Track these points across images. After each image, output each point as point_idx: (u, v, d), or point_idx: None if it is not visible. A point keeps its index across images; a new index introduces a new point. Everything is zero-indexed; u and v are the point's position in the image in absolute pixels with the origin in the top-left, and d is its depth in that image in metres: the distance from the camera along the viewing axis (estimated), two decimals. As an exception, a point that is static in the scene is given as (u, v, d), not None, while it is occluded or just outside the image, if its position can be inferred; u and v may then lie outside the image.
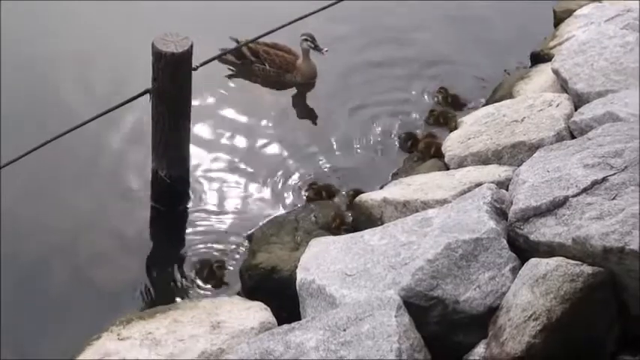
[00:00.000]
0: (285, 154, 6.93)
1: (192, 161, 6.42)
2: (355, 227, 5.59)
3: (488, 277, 4.45)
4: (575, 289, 4.15)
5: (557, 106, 5.97)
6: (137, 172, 6.57)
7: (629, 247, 4.18)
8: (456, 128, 6.52)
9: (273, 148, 6.99)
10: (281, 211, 6.33)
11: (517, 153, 5.71)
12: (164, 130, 5.98)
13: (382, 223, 5.27)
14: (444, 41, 8.15)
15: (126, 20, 7.91)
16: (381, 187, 6.18)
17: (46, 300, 5.63)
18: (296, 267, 4.99)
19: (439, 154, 6.32)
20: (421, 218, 4.90)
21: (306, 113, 7.48)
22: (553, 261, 4.28)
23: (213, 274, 5.83)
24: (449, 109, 7.21)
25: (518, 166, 5.24)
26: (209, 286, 5.80)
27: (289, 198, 6.50)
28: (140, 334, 4.74)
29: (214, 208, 6.41)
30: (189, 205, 6.41)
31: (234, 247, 6.06)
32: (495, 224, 4.65)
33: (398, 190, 5.68)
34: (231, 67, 7.77)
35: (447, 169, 6.05)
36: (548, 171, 4.84)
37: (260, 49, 7.62)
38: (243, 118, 7.29)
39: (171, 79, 5.75)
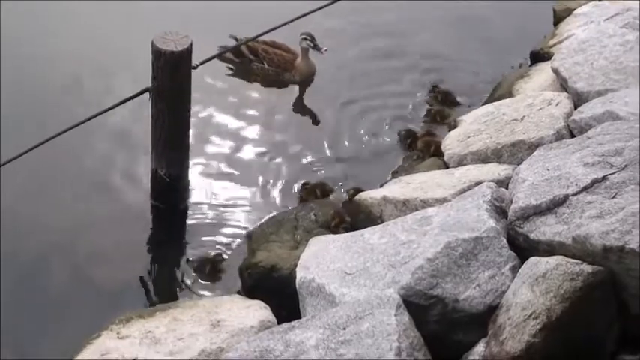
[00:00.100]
0: (285, 152, 6.94)
1: (192, 160, 6.42)
2: (355, 226, 5.59)
3: (488, 275, 4.45)
4: (574, 288, 4.15)
5: (557, 104, 5.97)
6: (137, 170, 6.57)
7: (628, 245, 4.18)
8: (455, 126, 6.51)
9: (273, 147, 6.99)
10: (281, 209, 6.32)
11: (517, 152, 5.71)
12: (164, 128, 5.98)
13: (382, 222, 5.27)
14: (444, 40, 8.16)
15: (125, 19, 7.91)
16: (381, 186, 6.18)
17: (45, 298, 5.63)
18: (295, 265, 4.99)
19: (439, 153, 6.32)
20: (421, 217, 4.90)
21: (306, 112, 7.49)
22: (553, 260, 4.27)
23: (213, 270, 5.84)
24: (443, 106, 7.21)
25: (518, 164, 5.24)
26: (209, 283, 5.80)
27: (289, 196, 6.50)
28: (140, 332, 4.74)
29: (214, 207, 6.41)
30: (189, 203, 6.41)
31: (233, 245, 6.07)
32: (495, 223, 4.64)
33: (398, 189, 5.68)
34: (230, 66, 7.77)
35: (447, 167, 6.06)
36: (547, 170, 4.84)
37: (259, 48, 7.63)
38: (242, 117, 7.29)
39: (171, 78, 5.75)
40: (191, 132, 6.20)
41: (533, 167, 4.95)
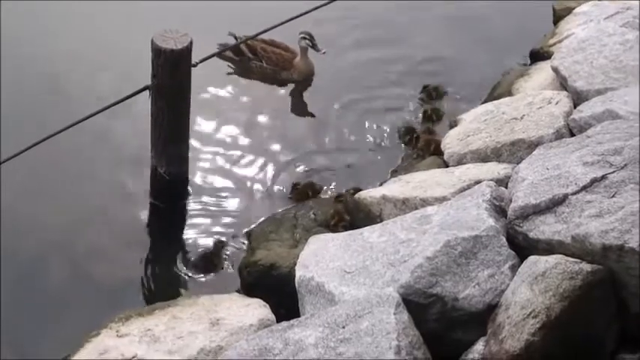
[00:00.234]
0: (284, 151, 6.94)
1: (192, 158, 6.42)
2: (354, 224, 5.58)
3: (488, 274, 4.44)
4: (574, 287, 4.14)
5: (557, 103, 5.97)
6: (136, 168, 6.58)
7: (628, 245, 4.18)
8: (455, 125, 6.51)
9: (272, 146, 7.00)
10: (280, 208, 6.32)
11: (516, 150, 5.71)
12: (163, 126, 5.98)
13: (381, 221, 5.27)
14: (444, 39, 8.16)
15: (125, 18, 7.91)
16: (381, 185, 6.18)
17: (45, 297, 5.64)
18: (295, 264, 4.99)
19: (438, 152, 6.32)
20: (420, 215, 4.90)
21: (305, 111, 7.49)
22: (552, 259, 4.27)
23: (212, 268, 5.85)
24: (436, 104, 7.23)
25: (518, 163, 5.24)
26: (208, 281, 5.80)
27: (288, 195, 6.50)
28: (139, 330, 4.74)
29: (213, 205, 6.42)
30: (189, 201, 6.42)
31: (233, 243, 6.07)
32: (494, 222, 4.64)
33: (397, 188, 5.68)
34: (230, 64, 7.77)
35: (447, 166, 6.05)
36: (547, 169, 4.84)
37: (258, 46, 7.63)
38: (242, 116, 7.29)
39: (171, 76, 5.75)
40: (190, 130, 6.20)
41: (533, 166, 4.94)
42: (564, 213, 4.52)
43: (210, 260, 5.89)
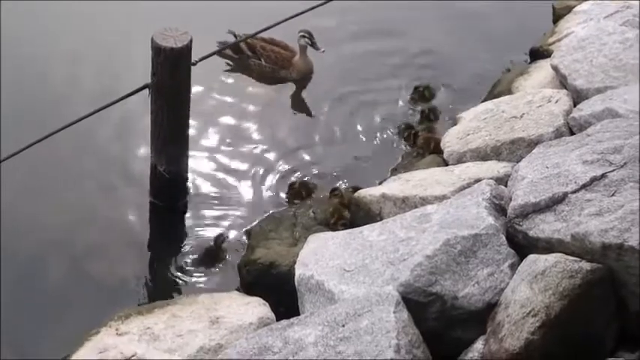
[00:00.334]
0: (284, 149, 6.94)
1: (191, 156, 6.42)
2: (354, 223, 5.58)
3: (487, 273, 4.45)
4: (573, 286, 4.15)
5: (557, 102, 5.97)
6: (136, 167, 6.58)
7: (628, 243, 4.18)
8: (455, 123, 6.52)
9: (272, 144, 7.00)
10: (279, 206, 6.33)
11: (516, 149, 5.71)
12: (163, 125, 5.98)
13: (381, 219, 5.27)
14: (444, 37, 8.16)
15: (125, 16, 7.90)
16: (380, 183, 6.18)
17: (44, 295, 5.63)
18: (294, 262, 5.00)
19: (438, 150, 6.32)
20: (420, 214, 4.90)
21: (305, 109, 7.49)
22: (552, 257, 4.27)
23: (211, 267, 5.86)
24: (431, 103, 7.24)
25: (517, 162, 5.24)
26: (207, 279, 5.80)
27: (285, 195, 6.50)
28: (139, 329, 4.74)
29: (213, 204, 6.42)
30: (188, 200, 6.41)
31: (232, 242, 6.06)
32: (494, 220, 4.64)
33: (397, 186, 5.67)
34: (229, 62, 7.77)
35: (446, 164, 6.05)
36: (547, 167, 4.84)
37: (257, 45, 7.63)
38: (241, 114, 7.29)
39: (171, 74, 5.75)
40: (190, 128, 6.20)
41: (533, 165, 4.95)
42: (564, 211, 4.52)
43: (209, 258, 5.89)
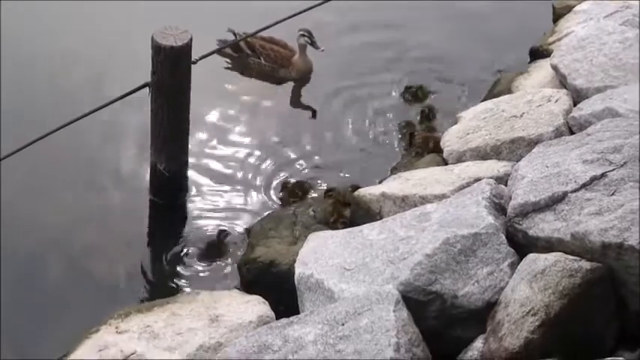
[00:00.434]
0: (284, 148, 6.95)
1: (191, 155, 6.42)
2: (354, 222, 5.58)
3: (487, 272, 4.45)
4: (573, 285, 4.15)
5: (556, 101, 5.97)
6: (136, 165, 6.58)
7: (627, 242, 4.18)
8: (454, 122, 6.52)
9: (272, 143, 7.00)
10: (279, 205, 6.33)
11: (516, 148, 5.71)
12: (163, 123, 5.98)
13: (381, 218, 5.27)
14: (444, 37, 8.16)
15: (125, 15, 7.90)
16: (380, 182, 6.18)
17: (45, 293, 5.64)
18: (294, 261, 4.99)
19: (438, 149, 6.32)
20: (420, 213, 4.90)
21: (304, 108, 7.49)
22: (552, 256, 4.27)
23: (211, 265, 5.86)
24: (425, 103, 7.25)
25: (517, 161, 5.24)
26: (207, 278, 5.81)
27: (279, 195, 6.50)
28: (138, 327, 4.74)
29: (213, 202, 6.43)
30: (188, 198, 6.42)
31: (232, 240, 6.06)
32: (494, 219, 4.64)
33: (396, 185, 5.67)
34: (228, 60, 7.77)
35: (446, 164, 6.05)
36: (547, 166, 4.84)
37: (256, 43, 7.62)
38: (241, 113, 7.30)
39: (171, 73, 5.75)
40: (190, 127, 6.20)
41: (533, 164, 4.95)
42: (564, 211, 4.53)
43: (209, 257, 5.89)
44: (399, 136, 7.01)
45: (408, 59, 7.90)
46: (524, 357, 4.05)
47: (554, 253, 4.31)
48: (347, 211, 5.80)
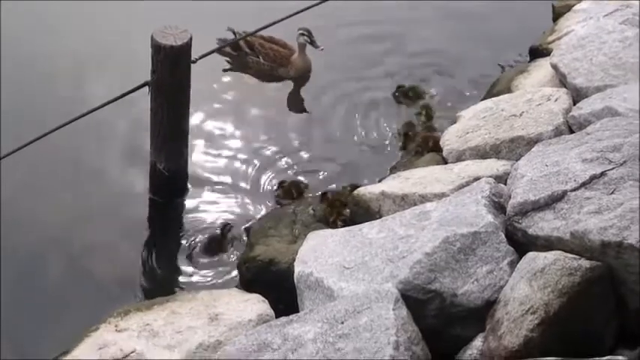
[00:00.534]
0: (283, 147, 6.95)
1: (191, 154, 6.42)
2: (353, 220, 5.59)
3: (486, 270, 4.45)
4: (573, 283, 4.15)
5: (556, 100, 5.97)
6: (136, 164, 6.58)
7: (627, 241, 4.18)
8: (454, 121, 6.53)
9: (271, 142, 7.00)
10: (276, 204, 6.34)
11: (515, 147, 5.71)
12: (163, 122, 5.98)
13: (380, 217, 5.27)
14: (443, 35, 8.16)
15: (125, 15, 7.91)
16: (380, 181, 6.18)
17: (44, 292, 5.64)
18: (294, 260, 4.99)
19: (437, 148, 6.32)
20: (419, 212, 4.90)
21: (304, 107, 7.49)
22: (551, 255, 4.27)
23: (211, 263, 5.86)
24: (421, 103, 7.26)
25: (517, 160, 5.24)
26: (207, 276, 5.81)
27: (275, 194, 6.50)
28: (138, 325, 4.74)
29: (212, 201, 6.43)
30: (188, 197, 6.42)
31: (232, 239, 6.06)
32: (493, 218, 4.64)
33: (396, 184, 5.68)
34: (228, 59, 7.78)
35: (446, 163, 6.05)
36: (546, 165, 4.84)
37: (256, 42, 7.63)
38: (241, 112, 7.30)
39: (171, 72, 5.75)
40: (189, 126, 6.20)
41: (532, 163, 4.95)
42: (563, 209, 4.53)
43: (208, 255, 5.89)
44: (397, 136, 7.02)
45: (408, 59, 7.91)
46: (523, 355, 4.05)
47: (553, 252, 4.31)
48: (346, 210, 5.80)
